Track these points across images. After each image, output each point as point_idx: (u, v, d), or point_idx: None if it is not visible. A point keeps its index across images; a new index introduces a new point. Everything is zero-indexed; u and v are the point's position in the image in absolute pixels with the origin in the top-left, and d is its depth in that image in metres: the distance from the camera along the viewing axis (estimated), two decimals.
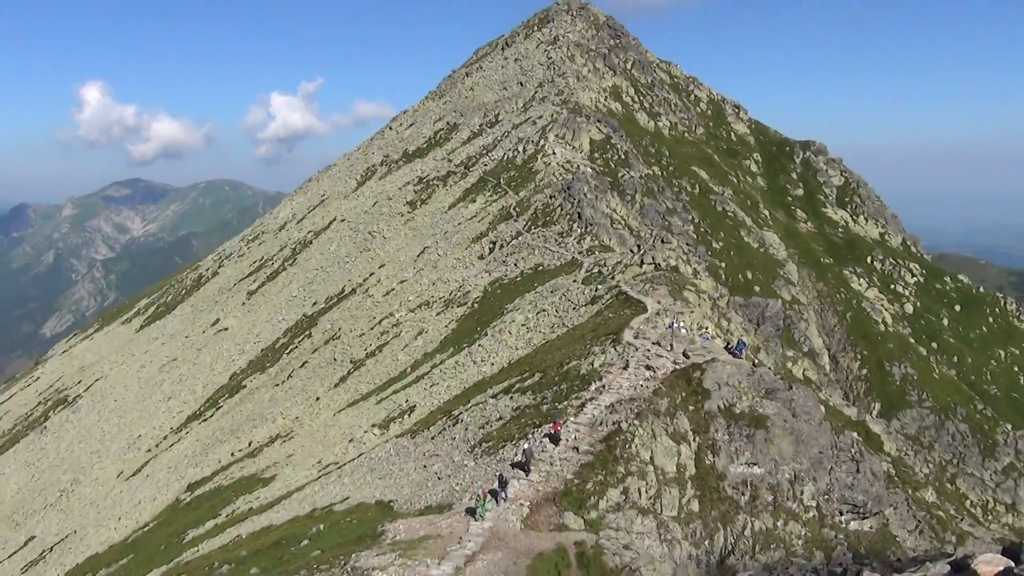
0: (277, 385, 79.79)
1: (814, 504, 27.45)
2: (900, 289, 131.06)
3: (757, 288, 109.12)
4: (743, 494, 25.79)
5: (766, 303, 53.65)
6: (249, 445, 68.83)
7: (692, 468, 25.90)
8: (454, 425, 35.83)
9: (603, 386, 29.26)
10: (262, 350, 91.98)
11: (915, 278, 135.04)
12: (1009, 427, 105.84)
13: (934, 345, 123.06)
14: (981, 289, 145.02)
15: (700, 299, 46.71)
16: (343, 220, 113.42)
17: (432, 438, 36.39)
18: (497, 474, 24.47)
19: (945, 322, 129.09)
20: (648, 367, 29.76)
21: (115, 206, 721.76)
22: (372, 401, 61.78)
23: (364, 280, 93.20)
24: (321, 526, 30.09)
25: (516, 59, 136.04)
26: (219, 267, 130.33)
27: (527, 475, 24.21)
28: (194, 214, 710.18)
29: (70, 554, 67.57)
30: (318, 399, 71.18)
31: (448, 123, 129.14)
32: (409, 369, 64.84)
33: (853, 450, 28.54)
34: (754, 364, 30.41)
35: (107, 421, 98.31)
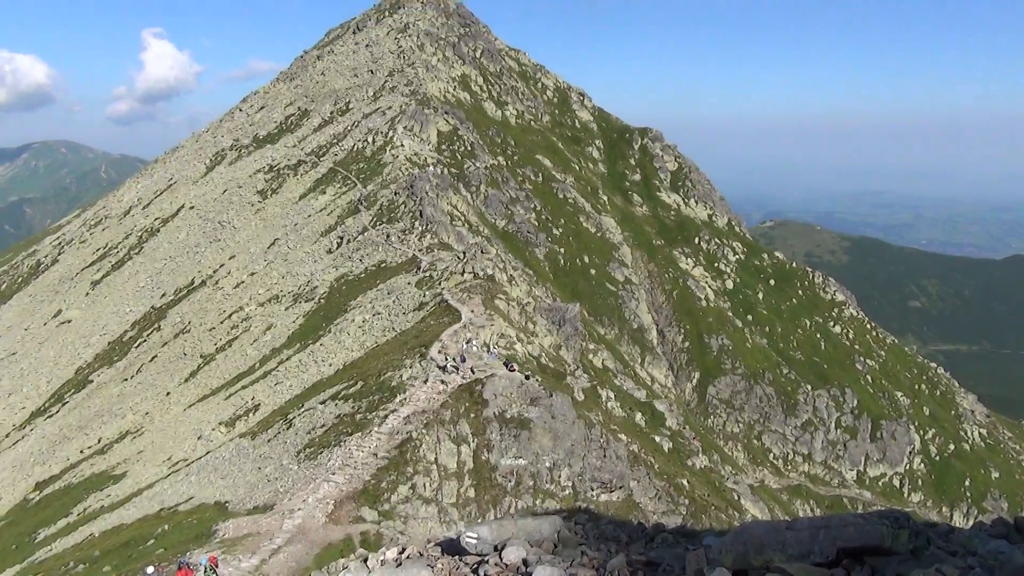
0: (126, 380, 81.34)
1: (570, 484, 35.46)
2: (722, 267, 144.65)
3: (593, 271, 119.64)
4: (510, 481, 33.31)
5: (566, 307, 62.08)
6: (99, 442, 70.85)
7: (471, 463, 33.11)
8: (287, 429, 41.45)
9: (405, 398, 35.89)
10: (109, 343, 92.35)
11: (736, 256, 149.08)
12: (809, 387, 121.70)
13: (749, 317, 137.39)
14: (793, 264, 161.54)
15: (509, 306, 54.30)
16: (192, 208, 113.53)
17: (268, 441, 41.86)
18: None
19: (760, 296, 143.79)
20: (443, 381, 36.67)
21: None
22: (221, 397, 65.71)
23: (214, 271, 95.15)
24: (166, 526, 35.11)
25: (367, 45, 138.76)
26: (59, 254, 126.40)
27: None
28: (26, 178, 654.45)
29: None
30: (168, 394, 73.92)
31: (299, 108, 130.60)
32: (257, 364, 69.01)
33: (602, 440, 36.81)
34: (526, 377, 37.95)
35: None
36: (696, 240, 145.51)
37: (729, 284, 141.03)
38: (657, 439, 57.83)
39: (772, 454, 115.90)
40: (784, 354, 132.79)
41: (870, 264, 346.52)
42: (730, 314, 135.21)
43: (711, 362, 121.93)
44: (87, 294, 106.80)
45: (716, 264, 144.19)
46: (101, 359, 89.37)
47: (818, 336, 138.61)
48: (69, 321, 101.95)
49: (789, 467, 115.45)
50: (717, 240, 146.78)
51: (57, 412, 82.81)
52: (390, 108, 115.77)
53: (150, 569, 23.17)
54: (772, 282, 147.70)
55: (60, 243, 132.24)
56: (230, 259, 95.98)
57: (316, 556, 24.32)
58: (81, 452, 70.58)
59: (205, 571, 22.79)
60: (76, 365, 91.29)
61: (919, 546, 9.54)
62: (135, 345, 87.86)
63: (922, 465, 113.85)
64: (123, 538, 37.45)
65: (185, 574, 22.49)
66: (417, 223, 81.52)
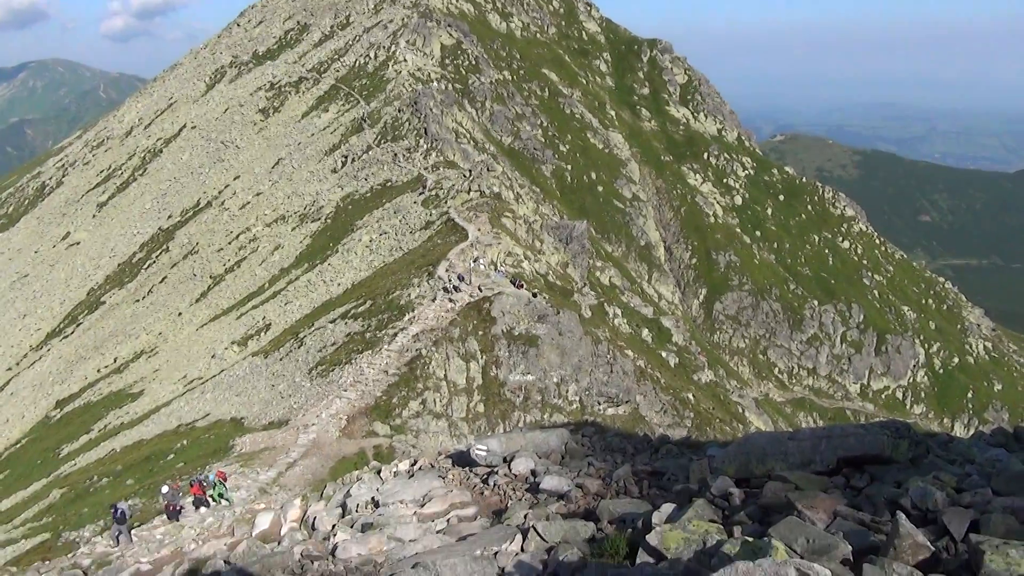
0: (138, 301, 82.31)
1: (577, 399, 36.20)
2: (731, 183, 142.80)
3: (600, 188, 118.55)
4: (518, 396, 34.02)
5: (573, 225, 61.78)
6: (115, 361, 72.30)
7: (479, 379, 33.76)
8: (299, 347, 42.13)
9: (414, 317, 36.29)
10: (119, 265, 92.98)
11: (746, 171, 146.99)
12: (816, 303, 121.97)
13: (758, 233, 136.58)
14: (803, 180, 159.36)
15: (516, 224, 54.13)
16: (194, 127, 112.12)
17: (280, 359, 42.63)
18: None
19: (769, 211, 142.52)
20: (451, 299, 36.98)
21: None
22: (232, 316, 66.57)
23: (219, 192, 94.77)
24: (185, 441, 36.21)
25: None
26: (63, 176, 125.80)
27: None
28: (24, 99, 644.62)
29: None
30: (180, 314, 74.90)
31: (298, 23, 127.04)
32: (267, 284, 69.58)
33: (608, 356, 37.36)
34: (533, 295, 38.19)
35: None
36: (705, 155, 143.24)
37: (738, 200, 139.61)
38: (663, 355, 58.58)
39: (777, 368, 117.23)
40: (792, 270, 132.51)
41: (881, 178, 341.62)
42: (738, 230, 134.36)
43: (718, 278, 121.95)
44: (94, 216, 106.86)
45: (725, 180, 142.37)
46: (112, 281, 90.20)
47: (826, 252, 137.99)
48: (78, 243, 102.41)
49: (793, 381, 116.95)
50: (726, 155, 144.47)
51: (72, 333, 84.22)
52: (391, 21, 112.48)
53: (164, 488, 24.03)
54: (781, 198, 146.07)
55: (63, 165, 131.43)
56: (235, 180, 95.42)
57: (331, 469, 25.14)
58: (98, 371, 72.14)
59: (214, 486, 23.64)
60: (87, 287, 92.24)
61: (918, 455, 9.77)
62: (144, 267, 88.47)
63: (925, 378, 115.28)
64: (144, 453, 38.68)
65: (198, 489, 23.33)
66: (422, 141, 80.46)
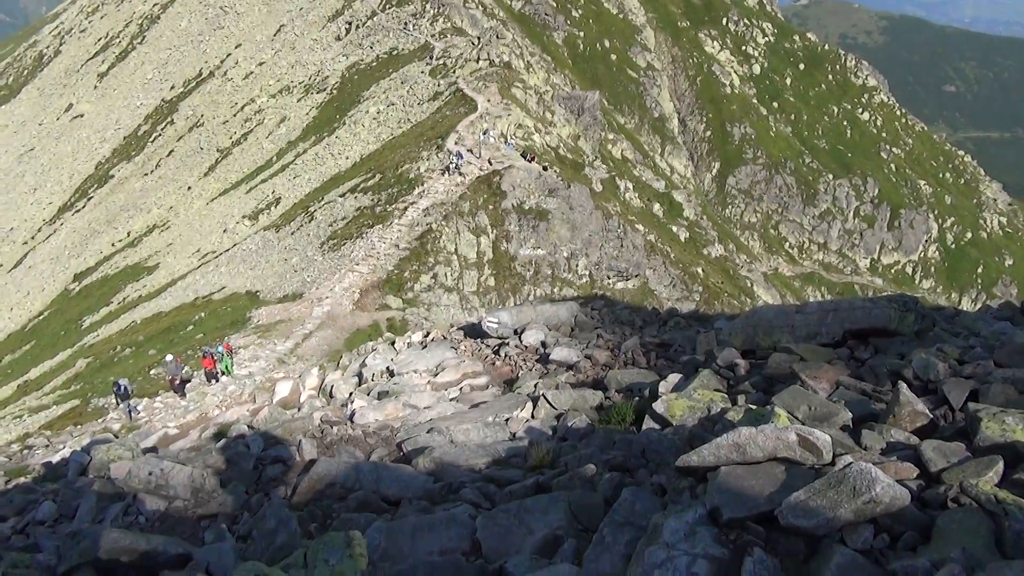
0: (146, 175, 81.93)
1: (587, 273, 36.53)
2: (750, 50, 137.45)
3: (614, 57, 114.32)
4: (529, 270, 34.34)
5: (585, 96, 59.93)
6: (128, 235, 72.92)
7: (490, 254, 33.97)
8: (309, 222, 42.25)
9: (424, 191, 36.06)
10: (124, 138, 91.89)
11: (766, 38, 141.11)
12: (831, 177, 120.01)
13: (775, 104, 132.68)
14: (825, 47, 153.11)
15: (527, 94, 52.61)
16: None
17: (292, 233, 42.87)
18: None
19: (788, 81, 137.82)
20: (460, 173, 36.57)
21: None
22: (242, 190, 66.39)
23: (221, 62, 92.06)
24: (202, 313, 37.08)
25: None
26: (61, 44, 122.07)
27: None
28: None
29: None
30: (190, 188, 74.72)
31: None
32: (274, 158, 68.89)
33: (619, 230, 37.34)
34: (544, 168, 37.66)
35: None
36: (724, 21, 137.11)
37: (756, 69, 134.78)
38: (674, 229, 58.45)
39: (788, 243, 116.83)
40: (808, 143, 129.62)
41: (907, 45, 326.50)
42: (755, 101, 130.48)
43: (732, 151, 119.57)
44: (95, 87, 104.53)
45: (743, 47, 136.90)
46: (118, 154, 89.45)
47: (845, 124, 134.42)
48: (81, 115, 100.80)
49: (803, 256, 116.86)
50: (746, 21, 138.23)
51: (83, 207, 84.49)
52: None
53: (169, 357, 24.73)
54: (801, 66, 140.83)
55: (60, 33, 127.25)
56: (236, 48, 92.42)
57: (346, 340, 25.83)
58: (112, 245, 72.91)
59: (221, 357, 24.37)
60: (95, 160, 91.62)
61: (924, 328, 9.90)
62: (150, 139, 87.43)
63: (936, 253, 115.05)
64: (163, 324, 39.73)
65: (210, 363, 24.07)
66: (428, 6, 77.06)
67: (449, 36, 70.62)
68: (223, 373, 24.14)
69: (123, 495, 9.03)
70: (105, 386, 28.05)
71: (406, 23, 75.97)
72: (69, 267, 74.12)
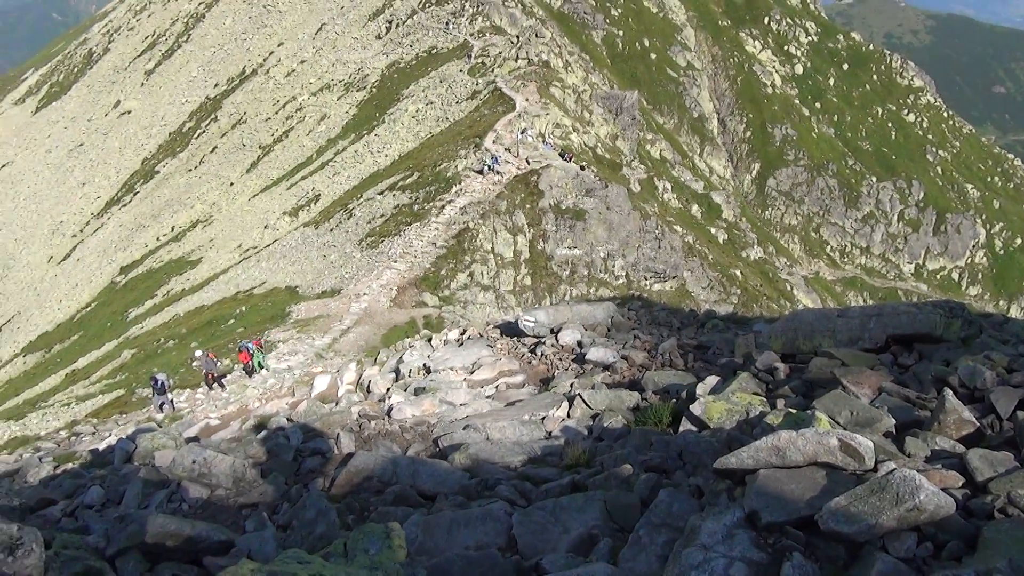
0: (190, 171, 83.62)
1: (623, 274, 36.37)
2: (792, 50, 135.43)
3: (653, 56, 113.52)
4: (565, 270, 34.31)
5: (623, 95, 59.60)
6: (172, 230, 74.52)
7: (527, 253, 34.02)
8: (348, 219, 42.73)
9: (461, 189, 36.24)
10: (170, 134, 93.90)
11: (809, 37, 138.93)
12: (874, 179, 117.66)
13: (818, 105, 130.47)
14: (870, 47, 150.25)
15: (565, 94, 52.53)
16: None
17: (331, 230, 43.41)
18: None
19: (831, 81, 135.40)
20: (497, 172, 36.68)
21: None
22: (283, 187, 67.40)
23: (264, 60, 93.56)
24: (243, 308, 37.74)
25: None
26: (110, 42, 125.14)
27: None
28: None
29: (20, 332, 74.81)
30: (232, 184, 76.08)
31: None
32: (314, 155, 69.80)
33: (657, 231, 37.10)
34: (581, 168, 37.58)
35: (25, 208, 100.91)
36: (766, 20, 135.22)
37: (799, 69, 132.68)
38: (713, 230, 57.87)
39: (829, 247, 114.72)
40: (851, 144, 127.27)
41: (955, 45, 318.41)
42: (797, 102, 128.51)
43: (773, 153, 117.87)
44: (142, 84, 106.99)
45: (786, 47, 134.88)
46: (164, 150, 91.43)
47: (889, 125, 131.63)
48: (129, 112, 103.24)
49: (845, 259, 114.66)
50: (789, 20, 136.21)
51: (130, 201, 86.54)
52: None
53: (198, 352, 25.16)
54: (845, 67, 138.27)
55: (109, 31, 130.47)
56: (278, 46, 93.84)
57: (383, 336, 26.11)
58: (157, 239, 74.57)
59: (253, 353, 24.84)
60: (141, 156, 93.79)
61: (970, 335, 9.70)
62: (195, 136, 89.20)
63: (984, 259, 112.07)
64: (205, 318, 40.53)
65: (247, 357, 24.58)
66: (468, 4, 77.38)
67: (488, 35, 70.84)
68: (256, 368, 24.58)
69: (167, 482, 9.28)
70: (148, 377, 28.75)
71: (446, 22, 76.37)
72: (116, 260, 76.00)
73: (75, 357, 49.87)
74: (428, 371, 14.63)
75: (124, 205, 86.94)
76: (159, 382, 22.97)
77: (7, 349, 73.77)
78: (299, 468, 9.98)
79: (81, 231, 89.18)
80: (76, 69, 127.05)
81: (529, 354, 14.28)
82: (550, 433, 9.83)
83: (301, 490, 8.78)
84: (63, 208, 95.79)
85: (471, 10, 76.48)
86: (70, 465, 14.46)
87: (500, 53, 59.36)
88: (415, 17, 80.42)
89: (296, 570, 4.32)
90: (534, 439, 9.50)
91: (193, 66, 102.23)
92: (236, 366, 25.62)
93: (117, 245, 78.96)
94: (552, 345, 14.18)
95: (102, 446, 16.90)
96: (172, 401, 23.46)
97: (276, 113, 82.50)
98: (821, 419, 5.80)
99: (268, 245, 52.95)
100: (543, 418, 10.27)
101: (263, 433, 12.17)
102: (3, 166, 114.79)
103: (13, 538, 4.40)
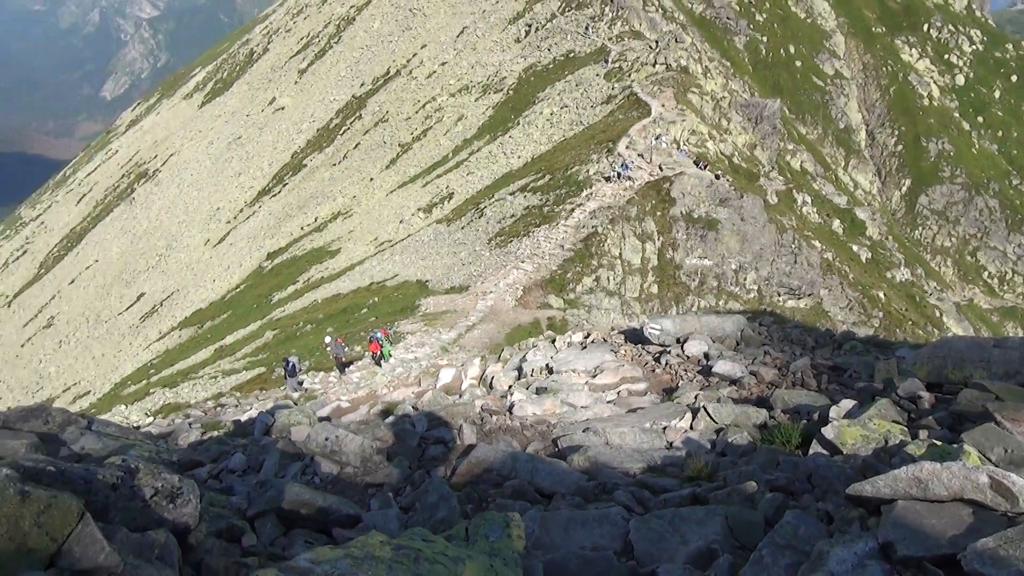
0: (334, 165, 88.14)
1: (755, 288, 35.17)
2: (954, 59, 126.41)
3: (798, 63, 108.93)
4: (694, 280, 33.57)
5: (764, 103, 57.41)
6: (315, 220, 78.84)
7: (655, 260, 33.55)
8: (479, 217, 43.70)
9: (591, 193, 36.21)
10: (317, 130, 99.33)
11: (973, 46, 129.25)
12: None
13: (980, 119, 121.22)
14: None
15: (703, 100, 51.30)
16: None
17: (462, 227, 44.54)
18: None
19: (997, 94, 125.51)
20: (629, 178, 36.37)
21: None
22: (418, 184, 69.80)
23: (407, 61, 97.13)
24: (376, 298, 39.42)
25: None
26: (268, 43, 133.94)
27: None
28: None
29: (177, 308, 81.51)
30: (372, 180, 79.55)
31: None
32: (450, 154, 71.83)
33: (793, 245, 35.60)
34: (716, 177, 36.53)
35: (187, 194, 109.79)
36: (925, 27, 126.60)
37: (960, 80, 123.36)
38: (855, 248, 54.85)
39: (987, 272, 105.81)
40: (1017, 163, 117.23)
41: None
42: (956, 115, 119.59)
43: (927, 168, 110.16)
44: (295, 83, 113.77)
45: (947, 56, 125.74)
46: (312, 145, 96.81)
47: None
48: (283, 108, 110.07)
49: (1005, 287, 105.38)
50: (951, 27, 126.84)
51: (279, 192, 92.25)
52: None
53: (328, 338, 26.40)
54: (1014, 78, 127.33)
55: (268, 32, 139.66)
56: (422, 48, 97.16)
57: (507, 335, 26.54)
58: (301, 229, 79.11)
59: (380, 342, 25.83)
60: (291, 150, 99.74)
61: None
62: (340, 132, 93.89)
63: None
64: (340, 305, 42.63)
65: (376, 347, 25.64)
66: (607, 9, 77.14)
67: (626, 39, 70.37)
68: (383, 358, 25.62)
69: (302, 456, 9.89)
70: (282, 359, 30.61)
71: (585, 26, 76.52)
72: (264, 246, 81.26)
73: (223, 334, 53.73)
74: (550, 372, 14.76)
75: (274, 195, 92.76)
76: (290, 364, 24.40)
77: (166, 323, 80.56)
78: (423, 454, 10.36)
79: (235, 218, 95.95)
80: (238, 67, 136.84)
81: (653, 362, 14.12)
82: (671, 443, 9.71)
83: (424, 475, 9.12)
84: (220, 196, 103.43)
85: (610, 14, 76.23)
86: (215, 433, 15.66)
87: (638, 58, 58.83)
88: (554, 21, 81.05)
89: (421, 546, 4.53)
90: (654, 448, 9.41)
91: (342, 66, 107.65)
92: (366, 354, 26.84)
93: (266, 232, 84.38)
94: (677, 355, 13.96)
95: (244, 418, 18.17)
96: (302, 383, 24.84)
97: (416, 112, 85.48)
98: (970, 453, 5.44)
99: (402, 239, 55.02)
100: (665, 427, 10.15)
101: (390, 418, 12.70)
102: (171, 155, 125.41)
103: (175, 487, 4.87)
